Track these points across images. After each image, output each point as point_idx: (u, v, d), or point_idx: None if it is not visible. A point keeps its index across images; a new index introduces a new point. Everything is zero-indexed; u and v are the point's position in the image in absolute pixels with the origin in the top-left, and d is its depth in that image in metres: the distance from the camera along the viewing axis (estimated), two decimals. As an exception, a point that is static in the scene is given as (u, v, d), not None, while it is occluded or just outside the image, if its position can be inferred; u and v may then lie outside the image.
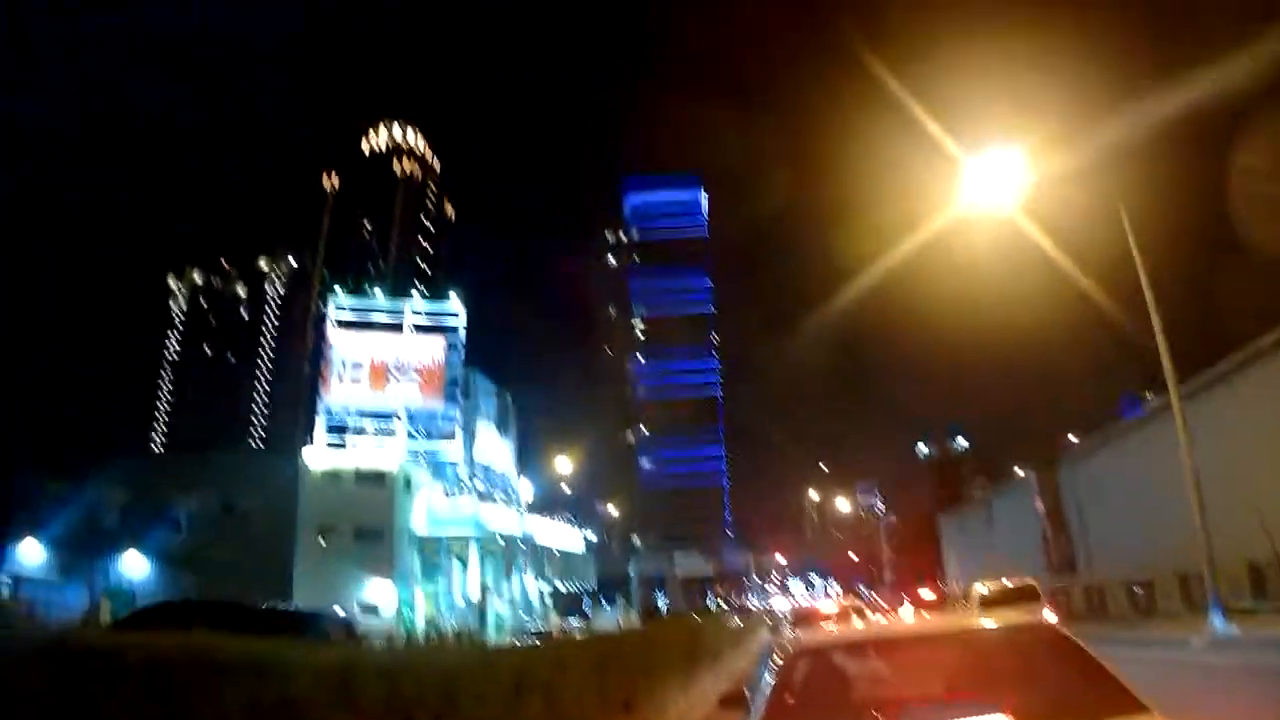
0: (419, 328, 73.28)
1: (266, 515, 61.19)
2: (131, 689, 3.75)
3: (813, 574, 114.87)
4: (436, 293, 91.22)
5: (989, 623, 5.84)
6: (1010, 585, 22.16)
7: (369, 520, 60.49)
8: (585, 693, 10.48)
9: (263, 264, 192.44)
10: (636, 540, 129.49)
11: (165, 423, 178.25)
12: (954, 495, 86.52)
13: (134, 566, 58.76)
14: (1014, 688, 4.88)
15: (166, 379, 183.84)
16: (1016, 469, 55.70)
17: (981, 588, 22.64)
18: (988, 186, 21.15)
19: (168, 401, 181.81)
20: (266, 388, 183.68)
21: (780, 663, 5.33)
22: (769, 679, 5.17)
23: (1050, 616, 18.86)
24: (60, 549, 58.39)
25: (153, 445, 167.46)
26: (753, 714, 4.75)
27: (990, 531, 56.63)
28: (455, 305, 76.17)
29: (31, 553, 57.91)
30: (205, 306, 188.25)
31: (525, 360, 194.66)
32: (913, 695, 5.31)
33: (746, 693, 5.58)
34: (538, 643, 19.71)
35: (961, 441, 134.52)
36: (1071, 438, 49.79)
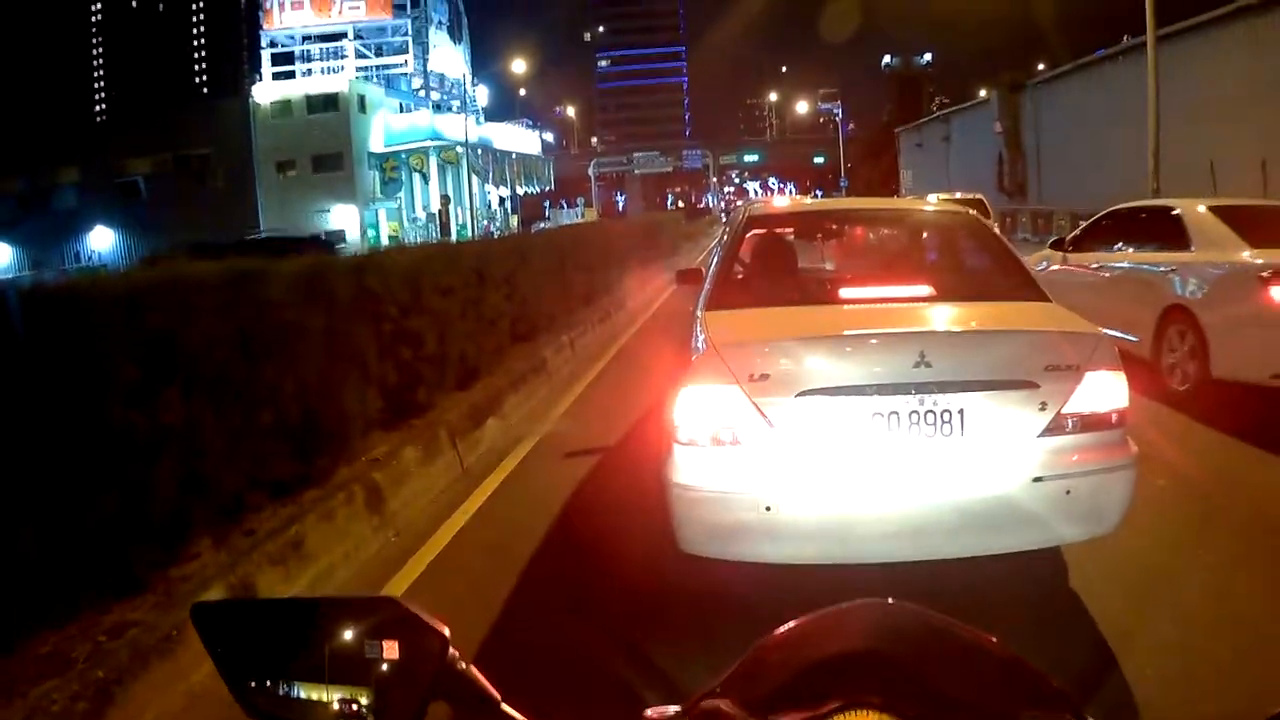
0: (357, -60, 67.35)
1: (223, 161, 59.79)
2: (118, 318, 3.95)
3: (771, 177, 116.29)
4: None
5: (925, 206, 6.37)
6: (960, 197, 22.96)
7: (326, 146, 58.97)
8: (546, 286, 11.28)
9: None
10: (595, 141, 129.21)
11: (105, 90, 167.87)
12: (914, 111, 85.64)
13: (102, 242, 58.33)
14: (939, 267, 5.54)
15: (97, 46, 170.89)
16: (981, 92, 54.89)
17: (933, 199, 23.30)
18: None
19: (101, 68, 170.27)
20: (203, 29, 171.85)
21: (729, 233, 5.73)
22: (719, 251, 5.57)
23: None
24: (27, 244, 57.53)
25: (97, 117, 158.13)
26: (708, 280, 5.16)
27: (948, 150, 56.76)
28: (394, -91, 69.49)
29: (-1, 254, 57.17)
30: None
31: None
32: (851, 267, 6.17)
33: (703, 270, 6.11)
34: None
35: (927, 58, 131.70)
36: (1040, 67, 48.67)
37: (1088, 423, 3.77)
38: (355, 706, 0.90)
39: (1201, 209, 8.55)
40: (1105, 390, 3.80)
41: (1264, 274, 7.22)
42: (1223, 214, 8.33)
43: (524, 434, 7.89)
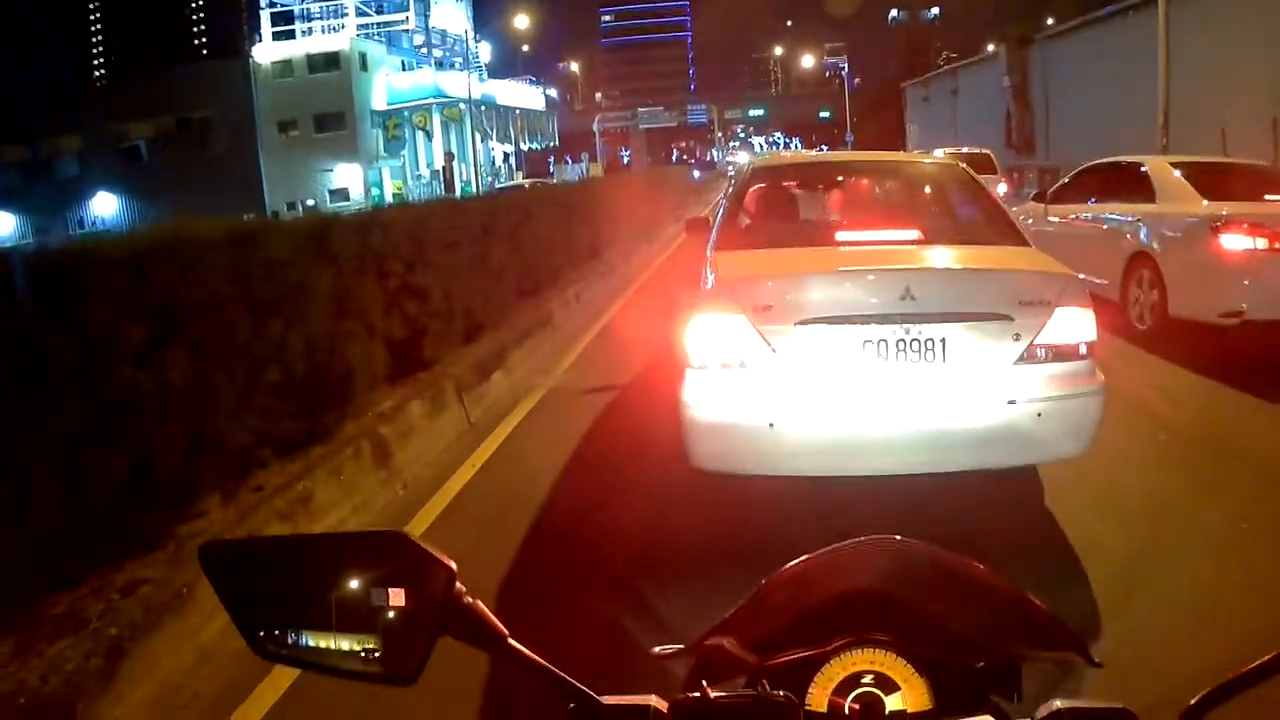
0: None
1: (225, 123, 59.15)
2: (123, 280, 3.93)
3: (776, 132, 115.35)
4: None
5: (918, 159, 7.13)
6: (966, 152, 22.79)
7: (328, 106, 58.52)
8: (553, 240, 11.21)
9: None
10: (600, 97, 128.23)
11: (104, 54, 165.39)
12: (921, 66, 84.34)
13: (105, 207, 58.02)
14: (928, 214, 5.94)
15: (95, 9, 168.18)
16: (989, 47, 53.94)
17: (939, 153, 23.09)
18: None
19: (99, 30, 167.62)
20: None
21: (736, 184, 6.03)
22: (725, 200, 5.86)
23: (1001, 187, 19.75)
24: (30, 212, 57.08)
25: (96, 81, 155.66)
26: (715, 226, 5.53)
27: (955, 105, 55.82)
28: None
29: (2, 224, 56.77)
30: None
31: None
32: (849, 215, 6.50)
33: (710, 219, 6.45)
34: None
35: (934, 12, 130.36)
36: (1050, 22, 47.64)
37: (1058, 353, 4.10)
38: (364, 648, 0.89)
39: (1167, 165, 9.29)
40: (1074, 324, 4.12)
41: (1215, 224, 7.93)
42: (1186, 170, 9.03)
43: (530, 387, 7.89)
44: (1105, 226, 9.85)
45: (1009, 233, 5.01)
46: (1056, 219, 10.94)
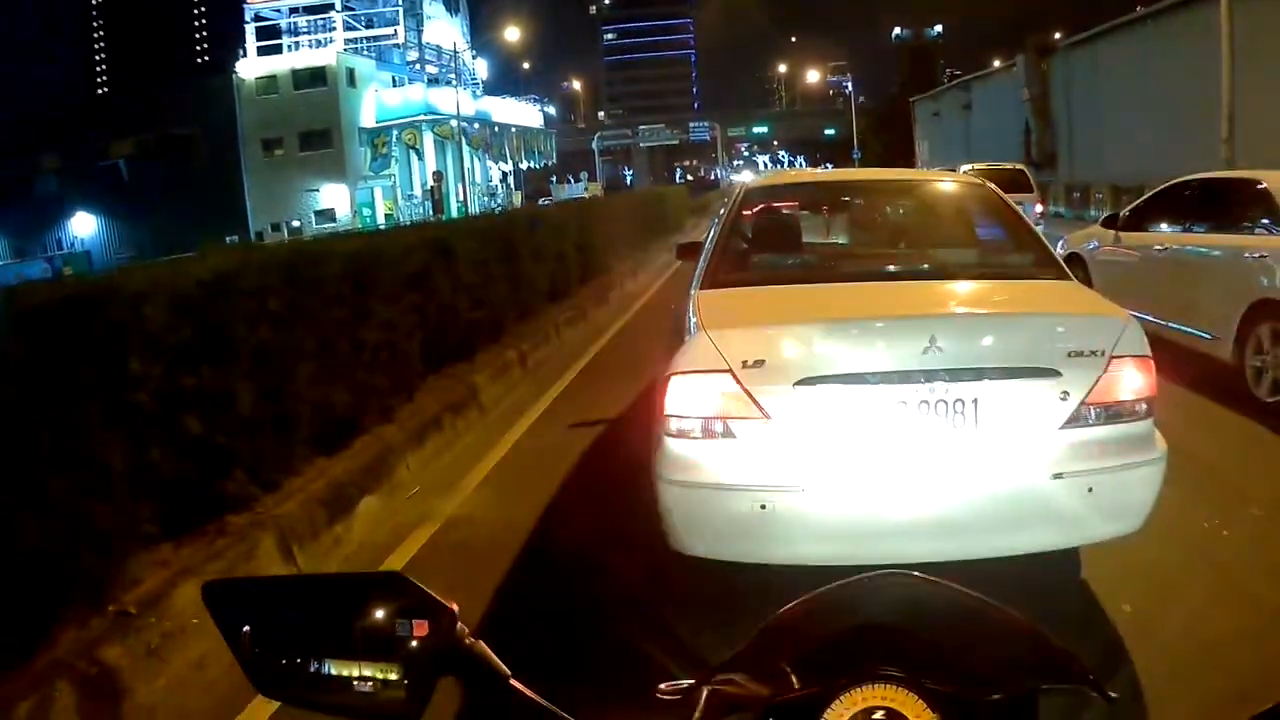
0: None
1: (209, 141, 58.05)
2: None
3: (781, 150, 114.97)
4: None
5: (939, 176, 6.22)
6: (999, 168, 20.47)
7: (314, 123, 56.75)
8: (491, 284, 8.64)
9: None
10: (601, 115, 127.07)
11: (108, 73, 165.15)
12: (927, 82, 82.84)
13: (84, 227, 56.97)
14: (951, 242, 4.99)
15: (99, 29, 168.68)
16: (996, 61, 52.34)
17: (965, 169, 20.92)
18: None
19: (103, 49, 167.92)
20: (204, 8, 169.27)
21: (730, 207, 5.27)
22: (719, 223, 5.15)
23: (1037, 206, 17.67)
24: (8, 233, 55.93)
25: (98, 93, 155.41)
26: (703, 257, 4.77)
27: (968, 120, 54.51)
28: None
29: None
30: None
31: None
32: (857, 242, 5.63)
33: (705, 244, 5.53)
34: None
35: (938, 29, 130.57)
36: (1056, 36, 46.00)
37: (1113, 414, 3.48)
38: (372, 682, 0.89)
39: None
40: (1132, 379, 3.49)
41: None
42: None
43: (420, 516, 5.38)
44: (1210, 263, 7.71)
45: (1047, 264, 4.31)
46: (1135, 249, 8.90)
